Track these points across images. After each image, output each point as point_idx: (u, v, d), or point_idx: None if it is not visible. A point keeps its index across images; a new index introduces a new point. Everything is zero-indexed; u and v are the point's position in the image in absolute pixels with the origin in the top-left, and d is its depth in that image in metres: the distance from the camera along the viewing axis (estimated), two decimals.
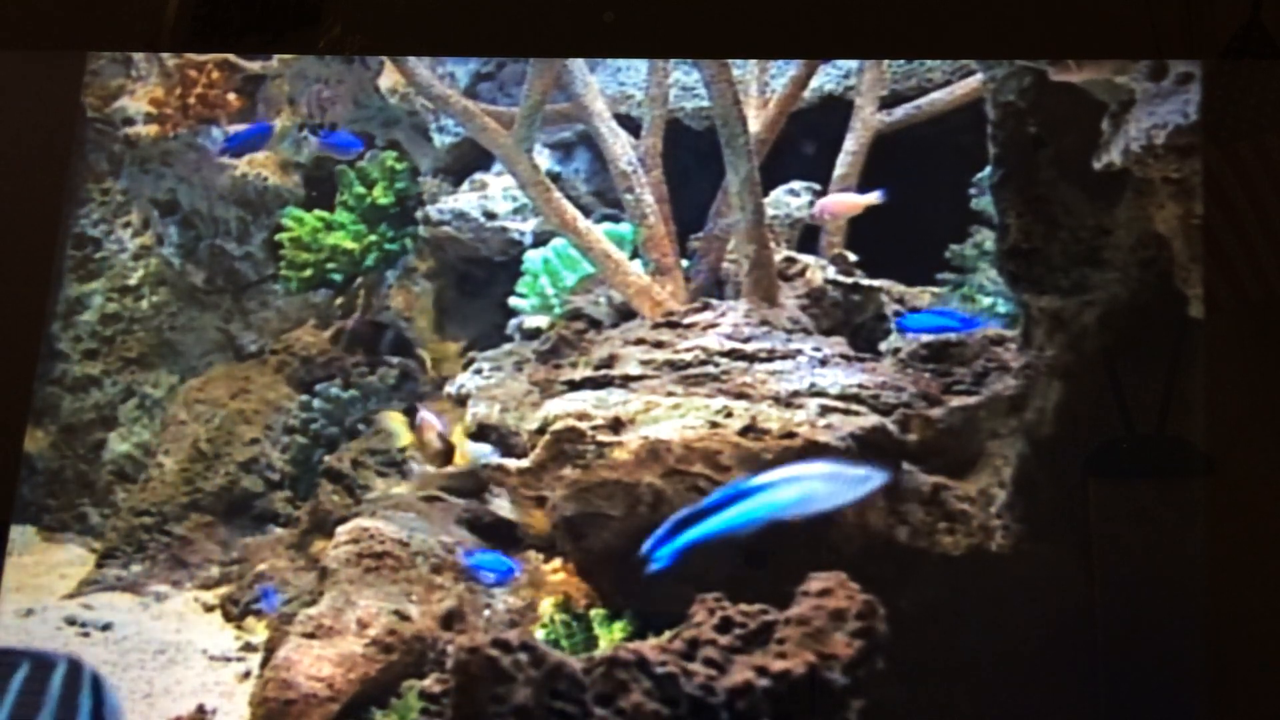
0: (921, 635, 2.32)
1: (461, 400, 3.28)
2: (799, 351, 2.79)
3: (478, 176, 3.98)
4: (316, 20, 2.45)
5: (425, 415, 3.24)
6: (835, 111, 3.55)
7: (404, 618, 2.70)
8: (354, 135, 3.95)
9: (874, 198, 3.19)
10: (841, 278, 3.20)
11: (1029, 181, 2.38)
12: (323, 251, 4.08)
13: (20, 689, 1.79)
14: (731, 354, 2.78)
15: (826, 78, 3.65)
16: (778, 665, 1.91)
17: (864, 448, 2.48)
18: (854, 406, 2.58)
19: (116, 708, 1.85)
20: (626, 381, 2.77)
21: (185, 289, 4.38)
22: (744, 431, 2.49)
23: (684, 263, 3.31)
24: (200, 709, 2.83)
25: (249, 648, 3.22)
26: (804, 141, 3.53)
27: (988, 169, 2.51)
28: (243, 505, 3.87)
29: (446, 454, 3.19)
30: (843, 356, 2.81)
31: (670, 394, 2.67)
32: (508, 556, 2.87)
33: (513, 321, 3.63)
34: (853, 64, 3.57)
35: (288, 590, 3.23)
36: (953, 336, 2.79)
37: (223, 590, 3.56)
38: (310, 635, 2.63)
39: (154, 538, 3.78)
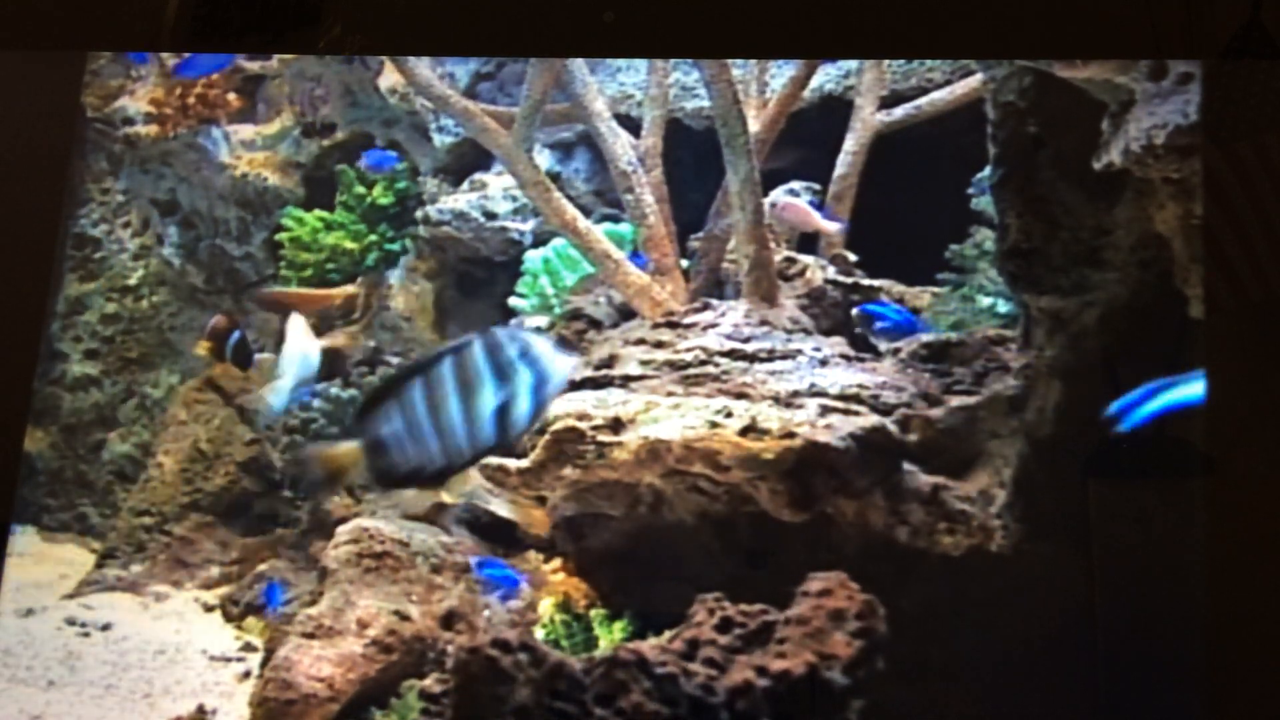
0: (921, 635, 2.32)
1: None
2: (799, 351, 2.79)
3: (478, 176, 3.98)
4: (316, 20, 2.44)
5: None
6: (835, 111, 3.55)
7: (404, 618, 2.70)
8: (385, 150, 4.06)
9: (834, 227, 3.30)
10: (841, 278, 3.20)
11: (1029, 181, 2.38)
12: (323, 251, 4.08)
13: (454, 377, 1.83)
14: (731, 354, 2.77)
15: (826, 78, 3.65)
16: (778, 665, 1.91)
17: (864, 448, 2.49)
18: (854, 406, 2.58)
19: (541, 349, 1.86)
20: (626, 381, 2.77)
21: (185, 289, 4.39)
22: (744, 431, 2.48)
23: (684, 263, 3.31)
24: (200, 709, 2.83)
25: (249, 648, 3.22)
26: (804, 142, 3.53)
27: (988, 169, 2.51)
28: (243, 505, 3.87)
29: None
30: (843, 356, 2.81)
31: (670, 394, 2.67)
32: (510, 565, 2.87)
33: (513, 322, 3.63)
34: (853, 64, 3.57)
35: (288, 590, 3.23)
36: (953, 336, 2.80)
37: (223, 590, 3.56)
38: (310, 635, 2.63)
39: (154, 538, 3.78)
